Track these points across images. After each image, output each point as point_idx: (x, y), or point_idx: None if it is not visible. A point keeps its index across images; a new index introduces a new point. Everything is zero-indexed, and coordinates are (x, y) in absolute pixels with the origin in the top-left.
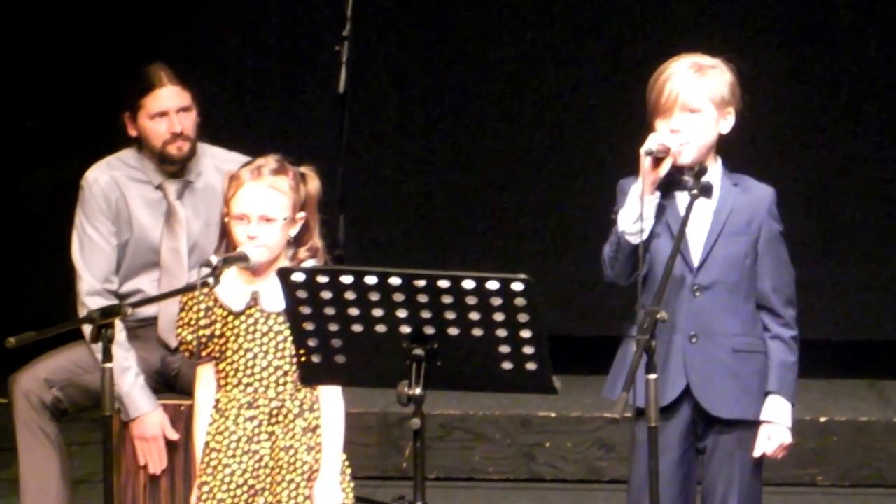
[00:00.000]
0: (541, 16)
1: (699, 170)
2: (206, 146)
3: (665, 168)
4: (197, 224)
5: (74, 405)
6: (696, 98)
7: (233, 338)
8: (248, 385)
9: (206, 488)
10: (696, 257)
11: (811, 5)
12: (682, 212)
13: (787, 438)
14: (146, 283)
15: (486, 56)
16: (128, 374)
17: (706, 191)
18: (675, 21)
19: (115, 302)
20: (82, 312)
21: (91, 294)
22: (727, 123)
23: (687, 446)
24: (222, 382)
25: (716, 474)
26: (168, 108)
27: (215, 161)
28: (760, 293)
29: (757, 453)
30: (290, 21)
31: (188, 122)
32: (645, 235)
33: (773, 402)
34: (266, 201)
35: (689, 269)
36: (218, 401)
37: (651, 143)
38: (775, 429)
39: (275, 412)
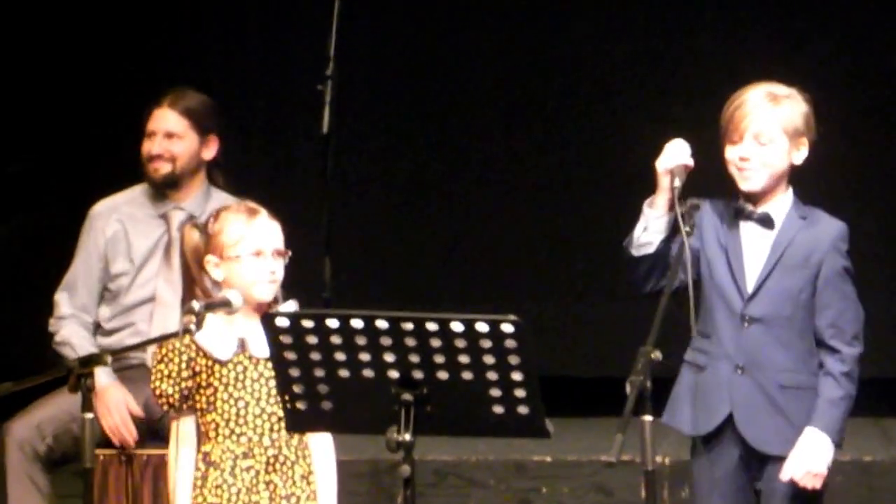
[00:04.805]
0: (529, 52)
1: (691, 205)
2: (216, 190)
3: (679, 183)
4: None
5: (64, 455)
6: (767, 127)
7: (221, 388)
8: (240, 435)
9: None
10: (749, 288)
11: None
12: (743, 241)
13: (817, 468)
14: (139, 318)
15: (472, 93)
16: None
17: (765, 222)
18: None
19: (89, 324)
20: (55, 327)
21: (65, 304)
22: (800, 154)
23: (741, 484)
24: (212, 434)
25: None
26: (155, 129)
27: (220, 203)
28: (817, 328)
29: (784, 477)
30: (272, 61)
31: (176, 147)
32: (650, 250)
33: (807, 433)
34: (278, 235)
35: (741, 299)
36: (208, 454)
37: (669, 162)
38: (805, 455)
39: (272, 460)
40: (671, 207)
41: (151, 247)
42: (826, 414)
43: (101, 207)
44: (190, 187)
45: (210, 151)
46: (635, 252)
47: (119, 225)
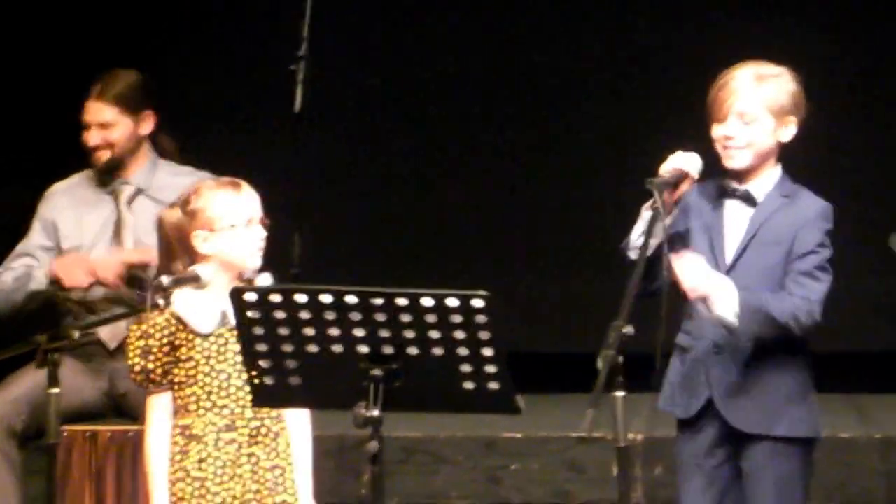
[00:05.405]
0: (504, 30)
1: (666, 178)
2: (163, 161)
3: (684, 188)
4: (145, 232)
5: (39, 431)
6: (751, 106)
7: (203, 361)
8: (223, 407)
9: None
10: (727, 264)
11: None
12: (726, 219)
13: (706, 280)
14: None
15: (445, 72)
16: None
17: (747, 199)
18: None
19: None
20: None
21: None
22: (787, 132)
23: (719, 462)
24: (192, 407)
25: (751, 497)
26: (90, 121)
27: (168, 174)
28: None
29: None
30: (244, 41)
31: (112, 135)
32: (647, 254)
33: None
34: (260, 204)
35: None
36: (188, 427)
37: (667, 165)
38: (714, 274)
39: (254, 433)
40: (668, 213)
41: (101, 224)
42: (755, 294)
43: (54, 188)
44: (134, 163)
45: (147, 126)
46: (633, 255)
47: (70, 205)
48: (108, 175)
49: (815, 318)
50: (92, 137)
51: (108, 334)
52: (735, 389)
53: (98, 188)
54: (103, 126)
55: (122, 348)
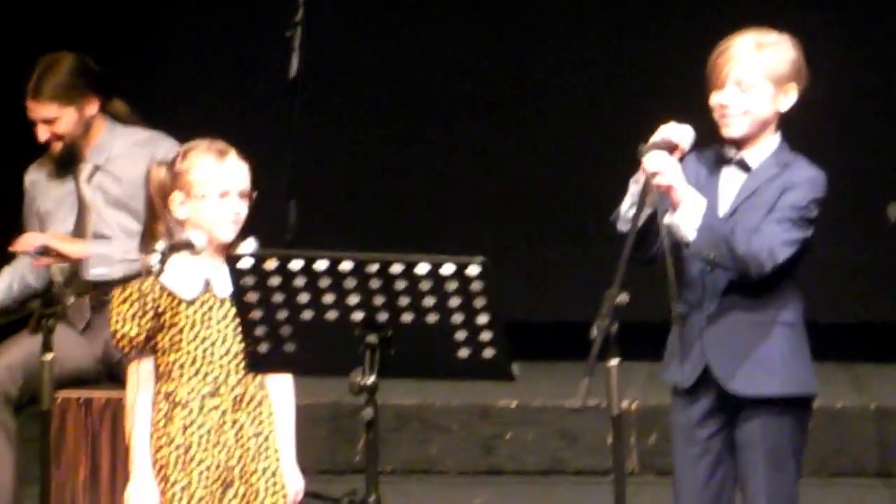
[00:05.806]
0: (497, 3)
1: (657, 145)
2: (120, 128)
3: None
4: (105, 207)
5: (32, 397)
6: (749, 74)
7: (187, 327)
8: (207, 374)
9: (178, 487)
10: None
11: None
12: (721, 186)
13: (671, 173)
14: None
15: (440, 38)
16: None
17: (743, 166)
18: None
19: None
20: None
21: None
22: (787, 100)
23: (708, 434)
24: (175, 374)
25: (744, 467)
26: (34, 118)
27: (127, 144)
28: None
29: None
30: (240, 6)
31: (58, 128)
32: (628, 227)
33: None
34: (245, 176)
35: None
36: (171, 393)
37: (655, 136)
38: (680, 177)
39: (238, 399)
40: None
41: (67, 204)
42: (726, 222)
43: (29, 171)
44: (90, 142)
45: (92, 108)
46: (622, 227)
47: (38, 187)
48: (69, 161)
49: (777, 259)
50: (40, 133)
51: (77, 314)
52: (729, 352)
53: (54, 170)
54: (47, 122)
55: (89, 327)
